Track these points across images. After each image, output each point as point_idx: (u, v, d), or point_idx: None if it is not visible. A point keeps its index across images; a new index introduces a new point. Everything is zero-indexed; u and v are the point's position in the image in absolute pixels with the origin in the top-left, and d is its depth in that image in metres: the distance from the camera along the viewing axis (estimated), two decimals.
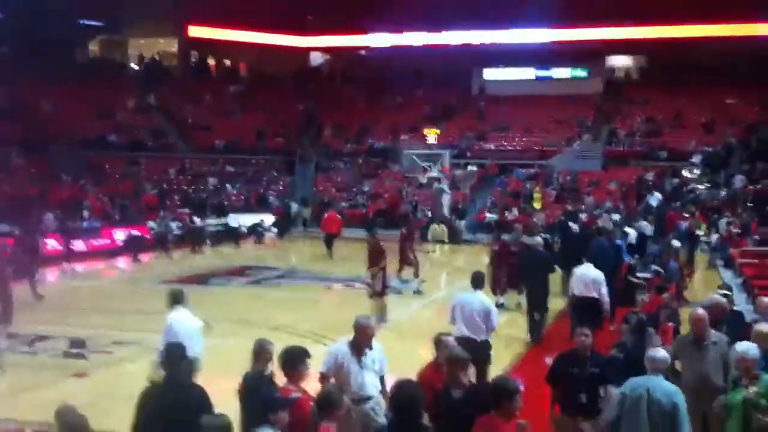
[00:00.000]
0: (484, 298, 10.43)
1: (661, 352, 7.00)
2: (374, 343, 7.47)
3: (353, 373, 7.21)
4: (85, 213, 29.43)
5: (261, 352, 6.90)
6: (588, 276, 13.33)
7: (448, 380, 6.59)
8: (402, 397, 5.38)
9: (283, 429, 5.77)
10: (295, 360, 6.48)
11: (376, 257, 15.99)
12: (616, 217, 26.31)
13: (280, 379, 6.67)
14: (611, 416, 6.86)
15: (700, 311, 8.18)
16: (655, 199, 31.54)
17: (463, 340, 9.46)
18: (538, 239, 16.03)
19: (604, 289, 13.23)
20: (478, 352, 9.59)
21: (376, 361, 7.38)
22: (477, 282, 10.61)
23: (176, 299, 9.06)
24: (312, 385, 6.64)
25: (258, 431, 5.85)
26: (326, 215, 29.56)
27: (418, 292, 19.14)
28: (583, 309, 13.03)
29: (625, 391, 6.73)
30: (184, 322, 8.83)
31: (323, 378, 7.25)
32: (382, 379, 7.44)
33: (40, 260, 20.25)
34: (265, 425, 5.86)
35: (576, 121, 42.22)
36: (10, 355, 12.90)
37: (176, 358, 6.47)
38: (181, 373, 6.45)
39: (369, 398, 7.19)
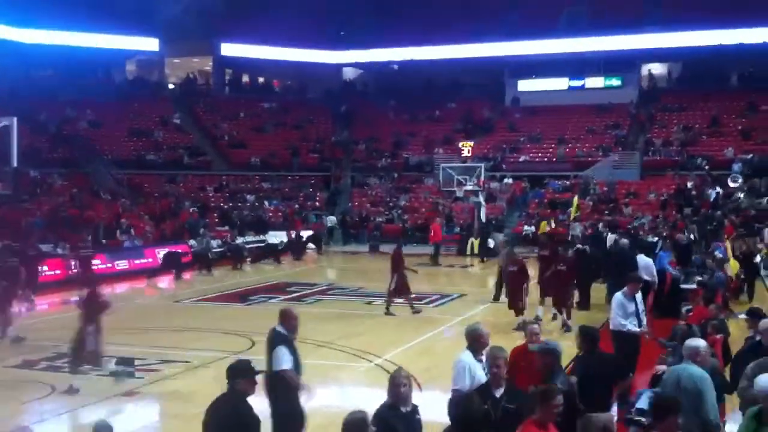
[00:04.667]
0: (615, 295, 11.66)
1: (695, 342, 7.63)
2: None
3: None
4: (117, 233, 29.58)
5: (391, 384, 6.48)
6: (643, 261, 16.27)
7: (490, 378, 6.82)
8: (460, 412, 5.35)
9: None
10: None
11: None
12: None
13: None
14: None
15: None
16: (714, 192, 31.37)
17: None
18: (625, 240, 18.36)
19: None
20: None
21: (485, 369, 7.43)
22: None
23: None
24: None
25: None
26: (432, 226, 31.18)
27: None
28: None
29: (665, 378, 7.57)
30: None
31: None
32: None
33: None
34: None
35: (611, 130, 41.98)
36: (60, 374, 13.10)
37: (235, 375, 6.46)
38: (238, 389, 6.38)
39: None
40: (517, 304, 16.42)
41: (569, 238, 29.76)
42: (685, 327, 10.69)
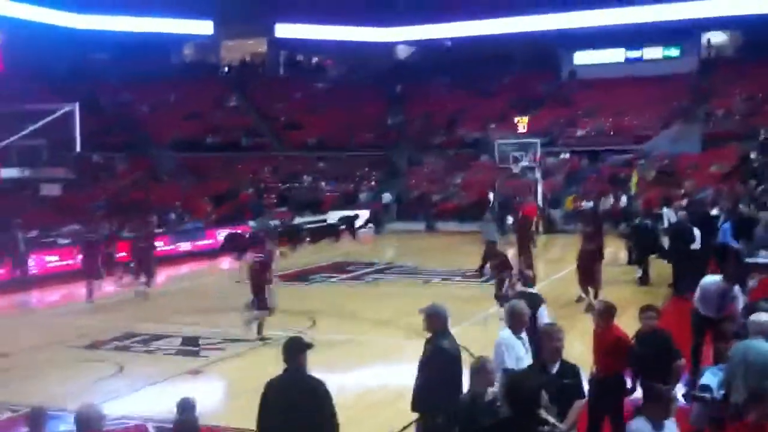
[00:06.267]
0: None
1: (762, 317, 7.39)
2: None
3: (524, 361, 7.17)
4: (171, 215, 29.98)
5: (481, 372, 6.30)
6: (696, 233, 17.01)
7: (544, 354, 6.75)
8: (518, 390, 5.30)
9: None
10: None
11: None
12: None
13: None
14: (725, 376, 7.49)
15: None
16: None
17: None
18: (683, 213, 18.70)
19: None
20: None
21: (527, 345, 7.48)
22: None
23: None
24: None
25: None
26: (525, 205, 29.34)
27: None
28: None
29: (731, 354, 7.42)
30: None
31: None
32: None
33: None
34: None
35: (670, 102, 41.15)
36: (128, 353, 13.49)
37: (295, 351, 6.52)
38: (299, 364, 6.45)
39: None
40: (498, 292, 15.35)
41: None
42: (750, 303, 10.52)
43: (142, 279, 19.27)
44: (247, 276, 14.87)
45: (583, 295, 16.09)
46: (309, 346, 6.57)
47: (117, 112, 40.08)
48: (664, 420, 5.52)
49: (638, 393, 7.97)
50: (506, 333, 7.41)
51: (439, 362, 7.03)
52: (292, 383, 6.36)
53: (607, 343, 7.93)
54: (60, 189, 26.91)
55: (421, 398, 7.08)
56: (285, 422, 6.25)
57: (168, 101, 42.67)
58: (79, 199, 29.40)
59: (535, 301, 9.16)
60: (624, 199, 32.26)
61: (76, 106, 21.57)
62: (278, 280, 15.26)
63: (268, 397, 6.39)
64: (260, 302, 14.33)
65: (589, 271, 16.22)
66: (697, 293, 10.84)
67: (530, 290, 10.22)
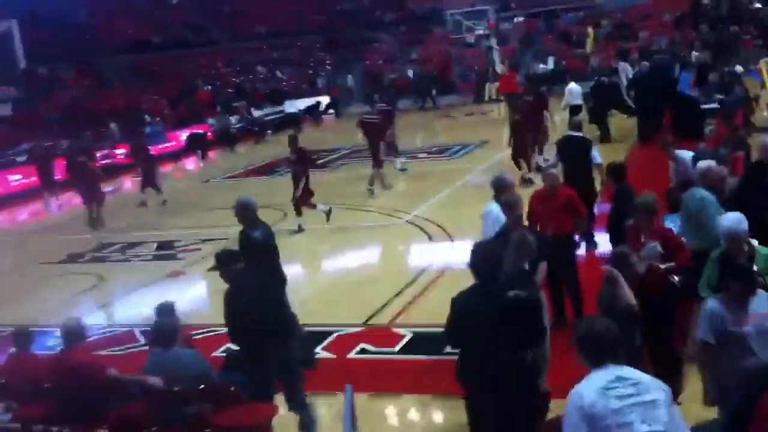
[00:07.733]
0: None
1: (703, 163, 7.82)
2: None
3: None
4: (147, 117, 29.64)
5: (523, 244, 6.29)
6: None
7: (510, 223, 6.88)
8: (479, 258, 5.42)
9: None
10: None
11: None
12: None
13: None
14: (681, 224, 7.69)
15: None
16: None
17: None
18: (645, 63, 20.63)
19: None
20: None
21: None
22: None
23: None
24: None
25: None
26: (504, 76, 28.13)
27: None
28: None
29: (682, 203, 7.62)
30: None
31: None
32: None
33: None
34: None
35: None
36: (106, 264, 13.63)
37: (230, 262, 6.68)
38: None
39: None
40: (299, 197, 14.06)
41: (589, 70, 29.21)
42: (704, 148, 10.72)
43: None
44: (362, 135, 16.77)
45: (519, 170, 14.97)
46: (238, 255, 6.83)
47: (56, 20, 38.54)
48: (747, 300, 4.88)
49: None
50: (494, 205, 7.49)
51: (248, 251, 7.50)
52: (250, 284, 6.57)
53: (557, 203, 8.16)
54: (10, 108, 26.25)
55: None
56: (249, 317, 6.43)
57: (107, 4, 41.09)
58: (31, 115, 28.73)
59: (586, 143, 10.45)
60: (551, 61, 32.32)
61: (14, 23, 20.85)
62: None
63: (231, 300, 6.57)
64: (375, 159, 16.12)
65: (517, 142, 15.50)
66: None
67: (579, 134, 11.03)
